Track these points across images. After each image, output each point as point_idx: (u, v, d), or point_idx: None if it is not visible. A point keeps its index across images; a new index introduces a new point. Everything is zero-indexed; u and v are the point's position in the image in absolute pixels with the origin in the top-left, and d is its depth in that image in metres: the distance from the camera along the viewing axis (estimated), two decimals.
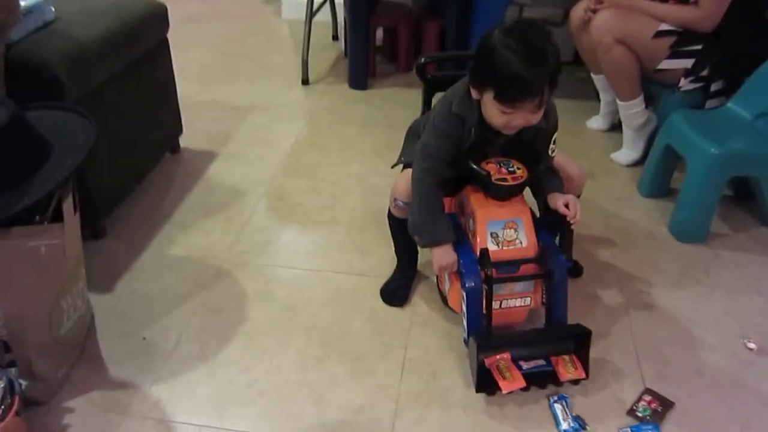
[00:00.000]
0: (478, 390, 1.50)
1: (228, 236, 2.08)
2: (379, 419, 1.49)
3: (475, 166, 1.53)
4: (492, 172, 1.53)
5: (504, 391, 1.45)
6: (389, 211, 1.77)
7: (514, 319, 1.68)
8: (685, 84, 2.32)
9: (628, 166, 2.52)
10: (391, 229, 1.82)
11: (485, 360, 1.49)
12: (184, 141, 2.56)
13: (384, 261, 1.97)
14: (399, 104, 2.94)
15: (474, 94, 1.48)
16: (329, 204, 2.26)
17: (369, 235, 2.10)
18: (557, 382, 1.52)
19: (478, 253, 1.54)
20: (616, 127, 2.69)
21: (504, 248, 1.55)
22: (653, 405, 1.52)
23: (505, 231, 1.55)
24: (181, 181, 2.36)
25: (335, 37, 3.66)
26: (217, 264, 1.96)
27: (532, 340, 1.59)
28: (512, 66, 1.36)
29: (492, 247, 1.54)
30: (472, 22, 2.88)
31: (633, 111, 2.43)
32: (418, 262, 1.89)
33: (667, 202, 2.25)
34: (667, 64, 2.30)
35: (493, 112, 1.44)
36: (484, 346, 1.50)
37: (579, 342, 1.55)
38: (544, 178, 1.63)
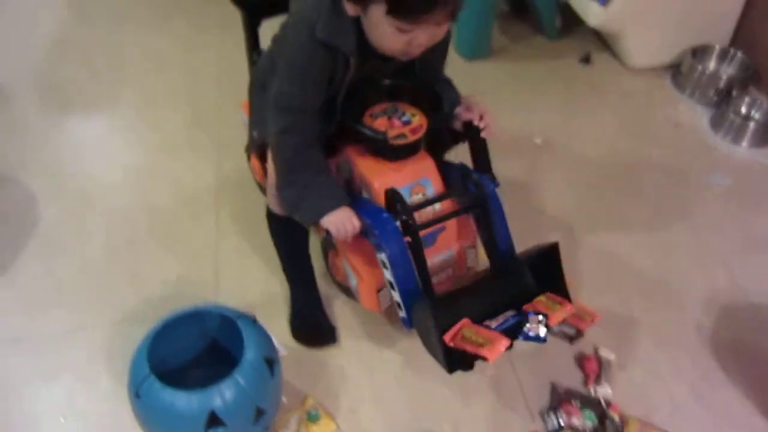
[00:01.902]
0: (452, 371, 1.10)
1: (0, 141, 1.85)
2: (202, 281, 1.48)
3: (363, 129, 1.15)
4: (385, 129, 1.16)
5: (491, 361, 1.04)
6: (268, 209, 1.34)
7: (443, 250, 1.29)
8: None
9: None
10: (273, 237, 1.39)
11: (445, 339, 1.09)
12: None
13: (178, 133, 1.87)
14: None
15: (350, 9, 1.03)
16: (109, 85, 2.08)
17: (158, 110, 1.98)
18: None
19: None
20: None
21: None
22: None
23: (411, 198, 1.19)
24: None
25: None
26: None
27: (490, 291, 1.19)
28: None
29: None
30: None
31: None
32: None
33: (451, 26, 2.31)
34: None
35: (387, 32, 1.02)
36: (441, 318, 1.09)
37: (548, 267, 1.19)
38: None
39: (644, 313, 1.44)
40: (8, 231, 1.59)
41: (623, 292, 1.49)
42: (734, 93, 2.04)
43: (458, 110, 1.23)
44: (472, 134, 1.22)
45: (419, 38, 1.02)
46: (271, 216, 1.34)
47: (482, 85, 2.09)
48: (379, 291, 1.24)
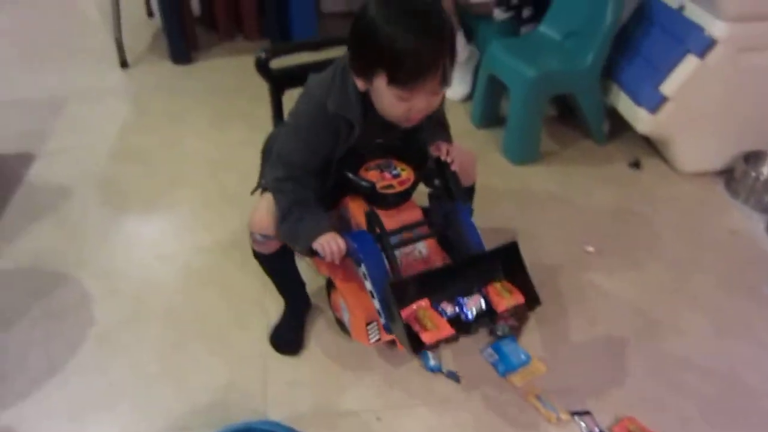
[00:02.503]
0: (415, 351, 1.22)
1: (60, 239, 1.92)
2: (250, 390, 1.47)
3: (353, 177, 1.33)
4: (375, 180, 1.33)
5: (427, 343, 1.19)
6: (253, 250, 1.48)
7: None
8: (498, 13, 2.42)
9: (460, 101, 2.60)
10: (262, 267, 1.54)
11: (402, 313, 1.23)
12: None
13: (231, 233, 1.92)
14: (225, 73, 2.83)
15: (360, 85, 1.24)
16: (167, 186, 2.15)
17: (213, 210, 2.03)
18: (494, 318, 1.28)
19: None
20: None
21: (403, 264, 1.35)
22: (509, 322, 1.60)
23: (402, 250, 1.36)
24: None
25: (150, 14, 3.44)
26: (53, 270, 1.81)
27: (449, 276, 1.30)
28: (402, 39, 1.14)
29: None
30: None
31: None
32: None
33: (500, 130, 2.34)
34: None
35: (390, 101, 1.22)
36: (399, 295, 1.23)
37: (508, 261, 1.32)
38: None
39: None
40: (65, 330, 1.62)
41: (685, 411, 1.42)
42: None
43: (432, 147, 1.39)
44: (441, 168, 1.38)
45: (418, 105, 1.22)
46: (256, 254, 1.49)
47: (530, 189, 2.10)
48: (368, 325, 1.37)
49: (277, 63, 1.56)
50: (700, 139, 2.13)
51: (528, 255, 1.30)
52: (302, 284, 1.62)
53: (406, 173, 1.37)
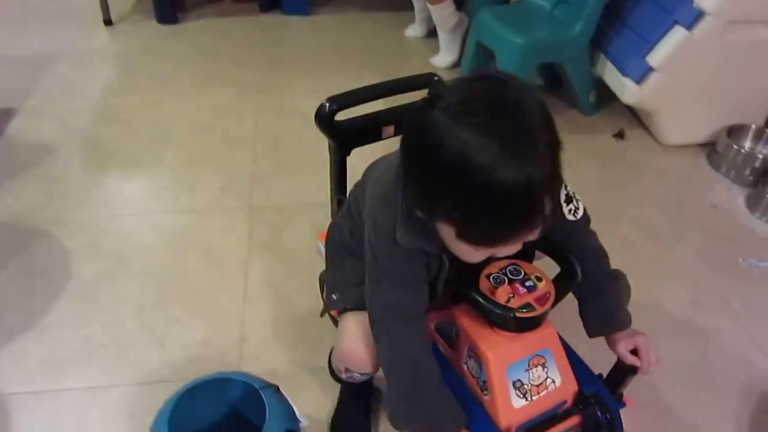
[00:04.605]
0: None
1: (40, 195, 1.90)
2: (227, 346, 1.47)
3: (485, 302, 0.96)
4: (506, 298, 0.96)
5: None
6: (332, 369, 1.27)
7: None
8: None
9: (447, 68, 2.59)
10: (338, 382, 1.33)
11: None
12: None
13: (213, 195, 1.91)
14: (212, 33, 2.81)
15: (419, 212, 0.85)
16: (149, 146, 2.14)
17: (195, 171, 2.02)
18: None
19: (501, 422, 0.99)
20: (432, 33, 2.73)
21: (535, 398, 1.01)
22: None
23: (531, 372, 1.01)
24: None
25: None
26: (32, 225, 1.80)
27: None
28: (480, 174, 0.73)
29: (518, 402, 1.00)
30: None
31: (444, 13, 2.48)
32: None
33: None
34: None
35: (461, 249, 0.85)
36: None
37: None
38: (589, 296, 1.08)
39: (678, 401, 1.39)
40: (42, 286, 1.62)
41: (656, 379, 1.44)
42: None
43: (620, 345, 1.07)
44: (627, 368, 1.08)
45: (503, 252, 0.86)
46: (341, 380, 1.28)
47: None
48: None
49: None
50: (685, 111, 2.13)
51: None
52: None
53: (543, 284, 0.99)
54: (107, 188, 1.96)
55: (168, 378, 1.39)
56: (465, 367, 1.05)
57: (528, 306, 0.96)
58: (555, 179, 0.78)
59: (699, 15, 1.90)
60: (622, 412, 1.07)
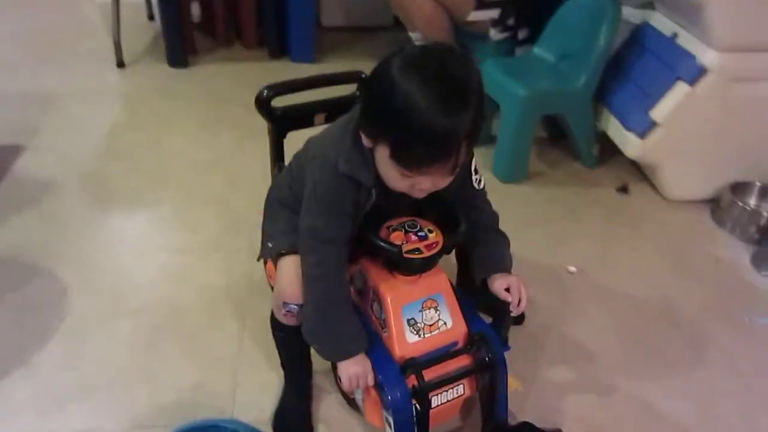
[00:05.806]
0: None
1: (42, 232, 1.90)
2: (219, 393, 1.44)
3: (379, 241, 1.16)
4: (400, 243, 1.16)
5: None
6: (273, 316, 1.31)
7: (446, 417, 1.33)
8: (494, 34, 2.44)
9: None
10: (277, 340, 1.37)
11: None
12: None
13: (213, 235, 1.91)
14: (221, 78, 2.85)
15: (365, 141, 1.08)
16: (151, 184, 2.14)
17: (196, 211, 2.02)
18: None
19: (396, 352, 1.18)
20: None
21: (427, 335, 1.20)
22: None
23: (424, 313, 1.20)
24: None
25: (151, 17, 3.46)
26: (31, 262, 1.79)
27: None
28: (416, 119, 0.95)
29: (412, 338, 1.18)
30: None
31: None
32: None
33: (491, 147, 2.34)
34: (475, 16, 2.39)
35: (390, 173, 1.06)
36: None
37: None
38: (477, 246, 1.29)
39: None
40: (37, 322, 1.60)
41: None
42: None
43: (497, 284, 1.25)
44: (500, 308, 1.25)
45: (422, 184, 1.06)
46: (274, 322, 1.32)
47: (517, 208, 2.09)
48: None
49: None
50: (688, 166, 2.13)
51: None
52: (310, 359, 1.41)
53: (434, 235, 1.19)
54: (108, 225, 1.96)
55: (157, 424, 1.36)
56: (370, 310, 1.24)
57: (416, 250, 1.15)
58: (473, 132, 1.00)
59: (702, 71, 1.92)
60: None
